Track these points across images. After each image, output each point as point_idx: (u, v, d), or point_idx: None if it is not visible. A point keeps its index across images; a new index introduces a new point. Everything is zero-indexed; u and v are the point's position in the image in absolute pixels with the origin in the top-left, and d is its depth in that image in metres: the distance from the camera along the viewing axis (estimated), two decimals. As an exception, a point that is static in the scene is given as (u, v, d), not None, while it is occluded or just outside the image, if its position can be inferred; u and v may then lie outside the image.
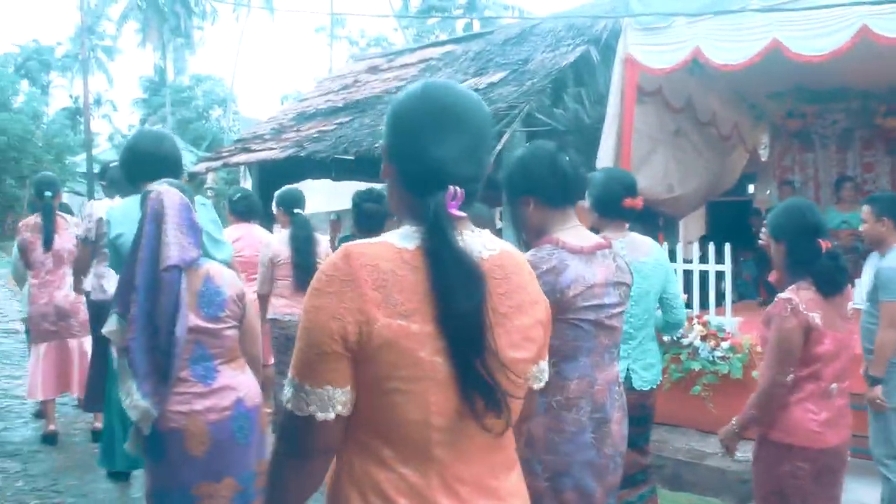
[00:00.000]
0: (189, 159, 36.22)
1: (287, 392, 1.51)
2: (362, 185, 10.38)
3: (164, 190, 2.94)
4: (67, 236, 6.37)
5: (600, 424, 2.70)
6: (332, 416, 1.47)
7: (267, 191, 11.61)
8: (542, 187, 2.71)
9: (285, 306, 5.71)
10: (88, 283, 5.67)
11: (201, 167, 12.72)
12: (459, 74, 11.67)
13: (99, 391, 5.31)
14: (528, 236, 2.77)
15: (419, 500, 1.50)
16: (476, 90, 10.35)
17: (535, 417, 2.58)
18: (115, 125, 56.28)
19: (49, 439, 6.38)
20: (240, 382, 3.04)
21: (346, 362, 1.45)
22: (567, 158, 2.71)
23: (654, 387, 3.91)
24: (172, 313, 2.79)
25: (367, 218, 4.11)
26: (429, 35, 39.47)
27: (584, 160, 2.97)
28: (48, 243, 6.27)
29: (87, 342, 6.22)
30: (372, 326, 1.42)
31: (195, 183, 25.20)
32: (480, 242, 1.58)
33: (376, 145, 9.21)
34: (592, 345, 2.69)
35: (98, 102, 51.69)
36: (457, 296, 1.44)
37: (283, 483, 1.55)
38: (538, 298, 1.67)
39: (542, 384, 1.75)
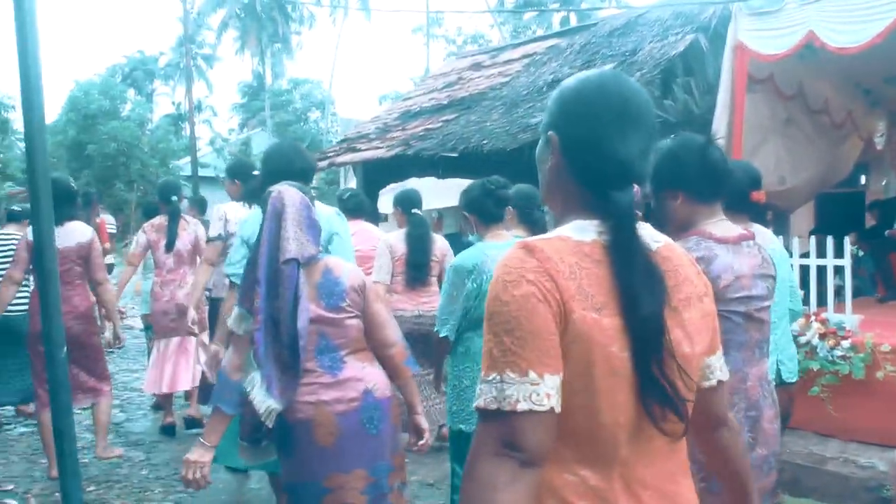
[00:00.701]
0: (289, 162, 37.32)
1: (494, 391, 1.41)
2: (466, 183, 10.69)
3: (285, 189, 3.09)
4: (187, 237, 6.83)
5: (755, 423, 2.68)
6: (547, 407, 1.40)
7: (372, 189, 12.03)
8: (692, 181, 2.67)
9: (398, 301, 6.05)
10: (210, 280, 6.13)
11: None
12: (565, 68, 11.81)
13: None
14: (672, 230, 2.68)
15: None
16: (582, 83, 10.53)
17: None
18: (215, 130, 58.30)
19: (168, 430, 6.86)
20: (367, 373, 3.08)
21: (559, 349, 1.42)
22: (718, 152, 2.68)
23: (796, 379, 3.79)
24: (293, 305, 2.90)
25: (495, 206, 4.17)
26: (525, 31, 39.56)
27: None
28: (171, 245, 6.75)
29: (206, 338, 6.62)
30: (569, 318, 1.41)
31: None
32: (648, 235, 1.58)
33: (484, 141, 9.49)
34: (743, 339, 2.65)
35: (199, 108, 53.56)
36: (643, 293, 1.44)
37: (492, 497, 1.36)
38: (705, 290, 1.66)
39: (713, 382, 1.73)
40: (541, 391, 1.38)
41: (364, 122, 15.02)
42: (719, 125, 7.10)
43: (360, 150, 12.32)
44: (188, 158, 38.94)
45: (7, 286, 5.43)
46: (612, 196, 1.49)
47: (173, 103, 59.40)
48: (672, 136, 2.79)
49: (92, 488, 5.34)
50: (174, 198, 6.91)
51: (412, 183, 10.27)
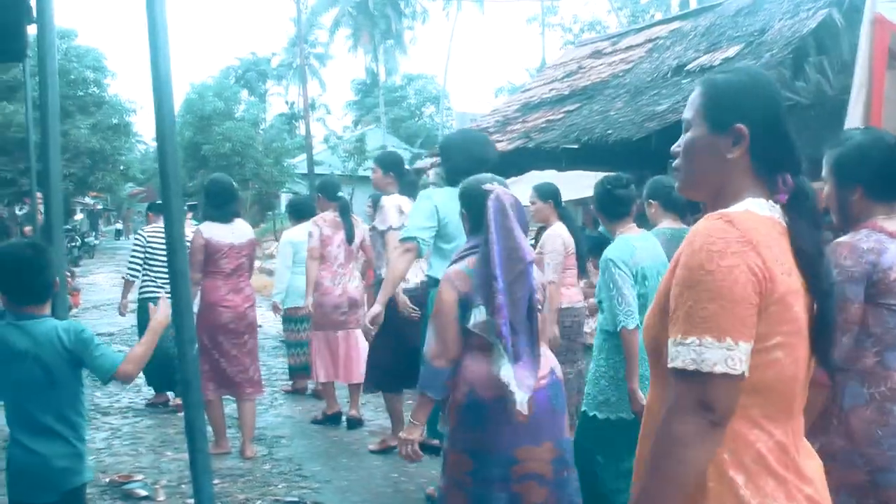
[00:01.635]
0: (403, 157, 37.82)
1: (693, 354, 1.61)
2: (588, 175, 10.66)
3: (501, 191, 3.57)
4: (359, 233, 7.26)
5: None
6: (739, 372, 1.60)
7: (493, 184, 12.11)
8: (874, 179, 2.75)
9: (576, 295, 6.33)
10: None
11: (426, 163, 13.40)
12: (690, 51, 11.62)
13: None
14: (845, 222, 2.81)
15: (785, 459, 1.68)
16: (710, 67, 10.32)
17: (855, 409, 2.65)
18: (329, 127, 59.63)
19: (333, 419, 7.21)
20: (550, 356, 3.65)
21: (755, 318, 1.62)
22: None
23: None
24: (528, 301, 3.43)
25: (617, 204, 4.34)
26: (643, 15, 38.86)
27: (829, 136, 3.01)
28: (351, 239, 7.14)
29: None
30: (773, 282, 1.63)
31: (418, 178, 26.38)
32: None
33: (609, 131, 9.42)
34: None
35: (313, 107, 54.68)
36: (817, 258, 1.73)
37: (686, 462, 1.60)
38: None
39: None
40: (735, 357, 1.59)
41: (482, 115, 15.10)
42: (855, 106, 6.85)
43: (478, 144, 12.39)
44: (302, 156, 39.91)
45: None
46: (796, 179, 1.77)
47: (286, 102, 61.08)
48: (860, 132, 2.97)
49: (216, 482, 5.53)
50: (341, 194, 7.38)
51: (532, 176, 10.29)
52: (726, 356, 1.58)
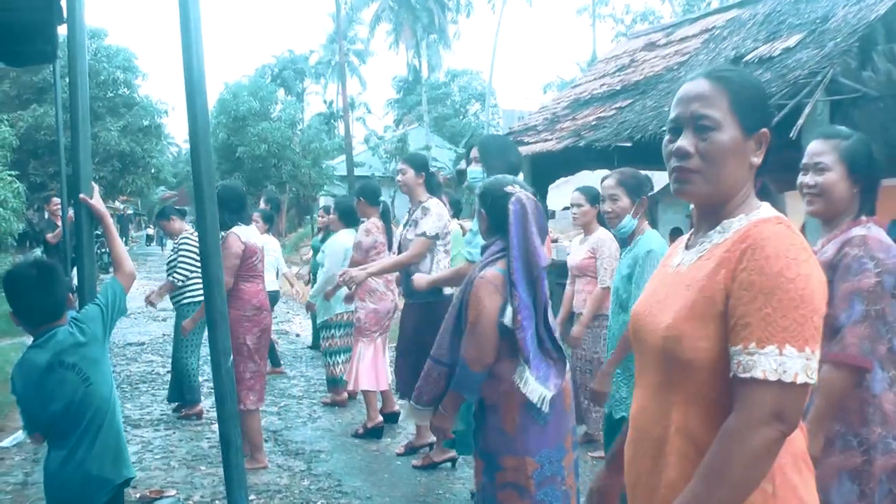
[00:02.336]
0: (447, 157, 37.85)
1: (773, 364, 1.68)
2: (642, 174, 10.56)
3: (523, 195, 3.76)
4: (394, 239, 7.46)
5: None
6: (815, 381, 1.71)
7: (540, 184, 12.10)
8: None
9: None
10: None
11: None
12: (748, 41, 11.51)
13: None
14: (863, 213, 3.08)
15: (807, 457, 1.87)
16: (769, 58, 10.23)
17: (885, 394, 2.89)
18: (369, 127, 59.89)
19: (375, 432, 7.35)
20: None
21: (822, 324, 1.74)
22: None
23: None
24: (545, 303, 3.71)
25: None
26: (698, 4, 38.60)
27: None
28: (391, 244, 7.36)
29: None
30: (826, 291, 1.78)
31: (461, 181, 26.37)
32: None
33: (663, 129, 9.37)
34: None
35: (352, 106, 55.14)
36: None
37: (759, 472, 1.70)
38: None
39: None
40: (812, 366, 1.68)
41: (530, 113, 15.10)
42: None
43: (527, 142, 12.41)
44: (341, 158, 40.18)
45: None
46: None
47: (325, 102, 61.53)
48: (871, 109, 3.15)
49: (253, 497, 5.62)
50: (383, 199, 7.63)
51: (584, 176, 10.28)
52: (806, 366, 1.67)
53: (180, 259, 8.07)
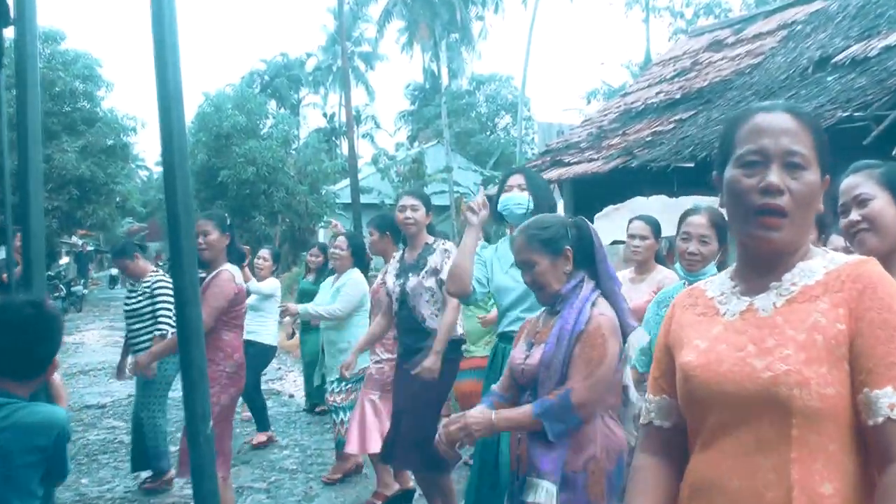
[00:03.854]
0: (471, 179, 37.88)
1: None
2: (709, 201, 10.50)
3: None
4: None
5: None
6: None
7: (584, 212, 12.05)
8: None
9: None
10: None
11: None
12: (837, 39, 11.49)
13: None
14: None
15: None
16: (864, 59, 10.22)
17: None
18: (378, 145, 60.07)
19: (407, 496, 7.58)
20: None
21: None
22: None
23: None
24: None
25: None
26: (777, -7, 38.71)
27: None
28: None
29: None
30: None
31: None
32: None
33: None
34: None
35: (358, 120, 55.42)
36: None
37: None
38: None
39: None
40: None
41: (571, 127, 15.12)
42: None
43: (567, 163, 12.43)
44: (345, 182, 40.29)
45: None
46: None
47: (325, 115, 62.03)
48: None
49: None
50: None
51: (637, 203, 10.23)
52: None
53: (160, 307, 8.12)
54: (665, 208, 10.43)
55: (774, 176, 2.05)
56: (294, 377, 15.02)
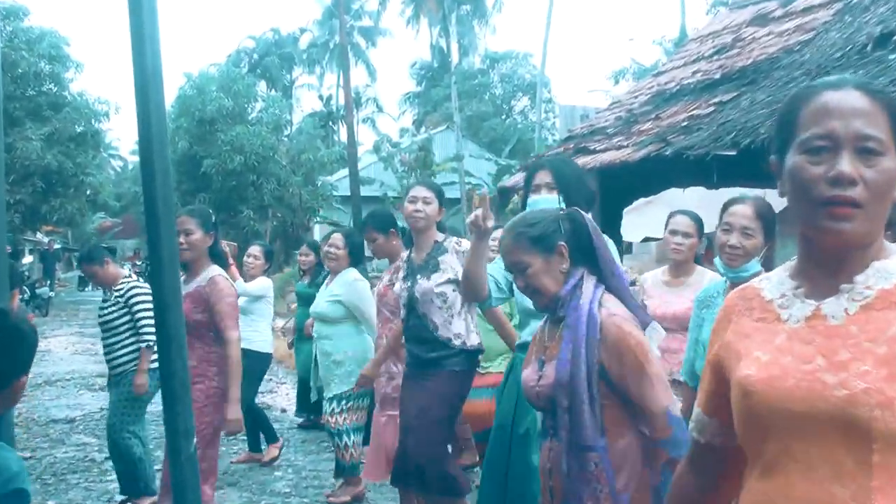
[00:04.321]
0: (485, 169, 37.84)
1: None
2: (753, 193, 10.47)
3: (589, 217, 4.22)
4: None
5: None
6: None
7: (612, 205, 12.02)
8: None
9: None
10: None
11: (517, 180, 13.36)
12: (907, 14, 11.47)
13: None
14: None
15: None
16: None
17: None
18: (381, 131, 60.04)
19: None
20: None
21: None
22: None
23: None
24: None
25: None
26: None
27: None
28: None
29: None
30: None
31: (505, 201, 26.33)
32: None
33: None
34: None
35: (358, 103, 55.39)
36: None
37: None
38: None
39: None
40: None
41: (597, 110, 15.09)
42: None
43: (593, 151, 12.41)
44: (343, 172, 40.28)
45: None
46: None
47: (321, 97, 62.18)
48: None
49: None
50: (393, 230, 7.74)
51: (671, 197, 10.21)
52: None
53: (140, 316, 8.08)
54: (703, 202, 10.42)
55: (846, 164, 1.93)
56: (287, 390, 14.98)
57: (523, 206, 5.40)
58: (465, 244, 6.38)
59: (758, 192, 11.70)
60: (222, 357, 6.32)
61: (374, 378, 7.55)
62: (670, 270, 6.72)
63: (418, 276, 6.42)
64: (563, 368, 3.81)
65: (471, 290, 5.32)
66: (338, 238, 8.42)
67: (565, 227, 4.07)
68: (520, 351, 5.39)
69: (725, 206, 5.12)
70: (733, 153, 10.14)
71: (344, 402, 8.14)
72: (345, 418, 8.16)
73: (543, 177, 5.41)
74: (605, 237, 4.34)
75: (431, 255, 6.49)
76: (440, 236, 6.57)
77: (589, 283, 3.99)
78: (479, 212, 5.03)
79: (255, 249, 10.09)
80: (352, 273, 8.22)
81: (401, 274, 6.69)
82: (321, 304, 8.40)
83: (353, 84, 44.34)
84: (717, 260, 5.01)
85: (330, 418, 8.29)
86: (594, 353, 3.79)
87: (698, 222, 6.64)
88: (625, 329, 3.79)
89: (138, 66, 3.03)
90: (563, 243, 3.99)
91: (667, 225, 6.68)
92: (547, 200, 5.22)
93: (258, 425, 9.89)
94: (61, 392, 14.72)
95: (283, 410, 13.26)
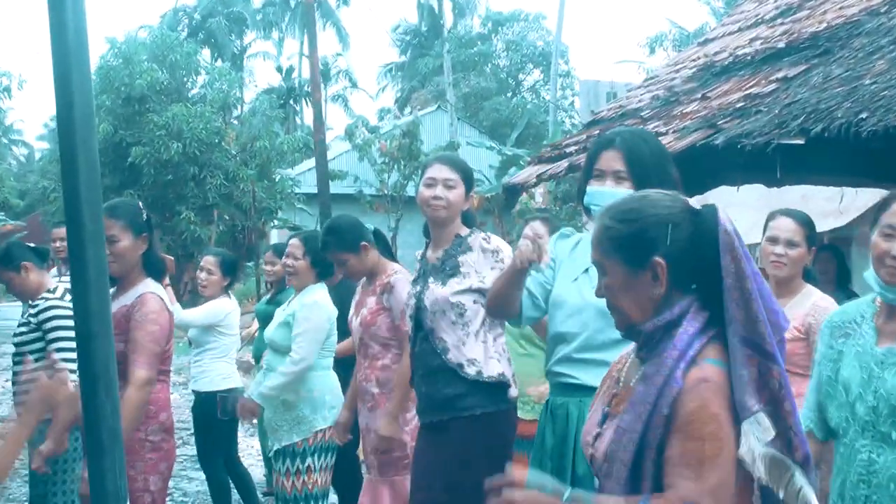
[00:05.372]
0: (485, 160, 37.93)
1: None
2: (825, 192, 10.48)
3: (725, 216, 3.49)
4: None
5: None
6: None
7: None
8: None
9: None
10: None
11: (527, 175, 13.37)
12: None
13: None
14: None
15: None
16: None
17: None
18: (354, 111, 60.15)
19: None
20: None
21: None
22: None
23: None
24: (785, 397, 3.50)
25: None
26: None
27: None
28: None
29: None
30: None
31: (510, 202, 26.37)
32: None
33: (862, 114, 9.33)
34: None
35: (326, 76, 55.51)
36: None
37: None
38: None
39: None
40: None
41: (627, 87, 15.09)
42: None
43: (622, 138, 12.41)
44: (309, 163, 40.31)
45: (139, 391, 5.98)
46: None
47: (279, 69, 62.22)
48: None
49: None
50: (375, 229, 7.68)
51: (721, 196, 10.24)
52: None
53: (54, 336, 7.84)
54: (762, 203, 10.42)
55: None
56: (251, 443, 14.59)
57: (579, 195, 5.17)
58: (496, 241, 6.15)
59: (832, 189, 11.69)
60: (154, 399, 6.11)
61: (393, 436, 6.96)
62: (771, 290, 6.47)
63: (430, 280, 6.17)
64: (617, 439, 3.42)
65: (498, 306, 5.23)
66: (295, 245, 8.12)
67: (678, 233, 3.45)
68: (557, 392, 5.11)
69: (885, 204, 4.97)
70: (801, 142, 10.13)
71: (298, 458, 7.83)
72: (303, 481, 7.83)
73: (611, 160, 5.04)
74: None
75: (450, 254, 6.19)
76: (464, 230, 6.25)
77: (692, 324, 3.45)
78: (530, 250, 4.81)
79: (209, 261, 9.75)
80: (315, 292, 7.99)
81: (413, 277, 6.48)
82: (271, 327, 8.20)
83: (321, 53, 44.43)
84: (868, 274, 4.80)
85: (279, 479, 8.01)
86: (655, 431, 3.34)
87: (806, 225, 6.55)
88: (710, 409, 3.29)
89: (56, 27, 3.01)
90: (659, 259, 3.41)
91: (764, 229, 6.60)
92: (612, 193, 4.74)
93: (244, 494, 9.83)
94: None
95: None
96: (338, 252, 7.46)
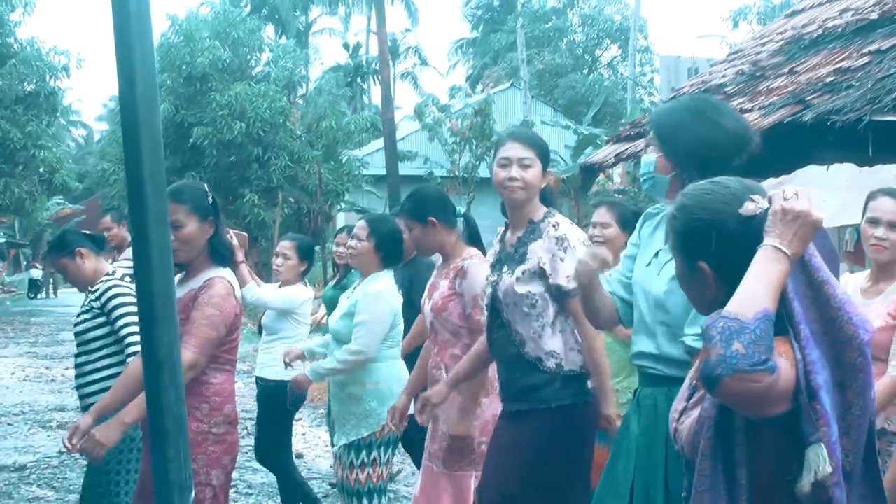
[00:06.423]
0: (561, 139, 37.79)
1: None
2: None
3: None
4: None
5: None
6: None
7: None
8: None
9: None
10: None
11: (604, 155, 13.35)
12: None
13: None
14: None
15: None
16: None
17: None
18: (423, 90, 60.03)
19: None
20: None
21: None
22: None
23: None
24: (869, 419, 3.39)
25: None
26: None
27: None
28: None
29: None
30: None
31: (587, 183, 26.27)
32: None
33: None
34: None
35: (394, 53, 55.45)
36: None
37: None
38: None
39: None
40: None
41: (710, 62, 15.01)
42: None
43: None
44: (377, 144, 40.28)
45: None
46: None
47: (346, 46, 62.20)
48: None
49: None
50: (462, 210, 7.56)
51: (810, 176, 10.17)
52: None
53: (122, 324, 7.71)
54: (853, 183, 10.35)
55: None
56: (320, 434, 14.28)
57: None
58: (564, 228, 5.96)
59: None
60: (217, 390, 6.05)
61: (464, 434, 6.80)
62: (871, 274, 6.34)
63: (504, 268, 6.06)
64: (698, 427, 3.34)
65: (595, 321, 5.21)
66: (361, 227, 7.97)
67: (724, 242, 3.29)
68: (645, 383, 4.98)
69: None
70: (895, 118, 10.07)
71: (364, 452, 7.79)
72: (367, 474, 7.80)
73: (652, 133, 5.01)
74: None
75: (522, 241, 6.04)
76: (540, 212, 6.08)
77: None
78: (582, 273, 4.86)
79: (285, 246, 9.62)
80: (379, 281, 7.83)
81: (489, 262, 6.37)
82: (335, 316, 8.14)
83: (389, 29, 44.41)
84: None
85: (343, 472, 7.96)
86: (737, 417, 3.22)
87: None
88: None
89: (117, 3, 3.02)
90: (704, 266, 3.34)
91: (864, 211, 6.33)
92: (644, 162, 4.97)
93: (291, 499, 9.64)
94: (8, 431, 14.83)
95: (299, 455, 13.01)
96: (406, 217, 7.44)
